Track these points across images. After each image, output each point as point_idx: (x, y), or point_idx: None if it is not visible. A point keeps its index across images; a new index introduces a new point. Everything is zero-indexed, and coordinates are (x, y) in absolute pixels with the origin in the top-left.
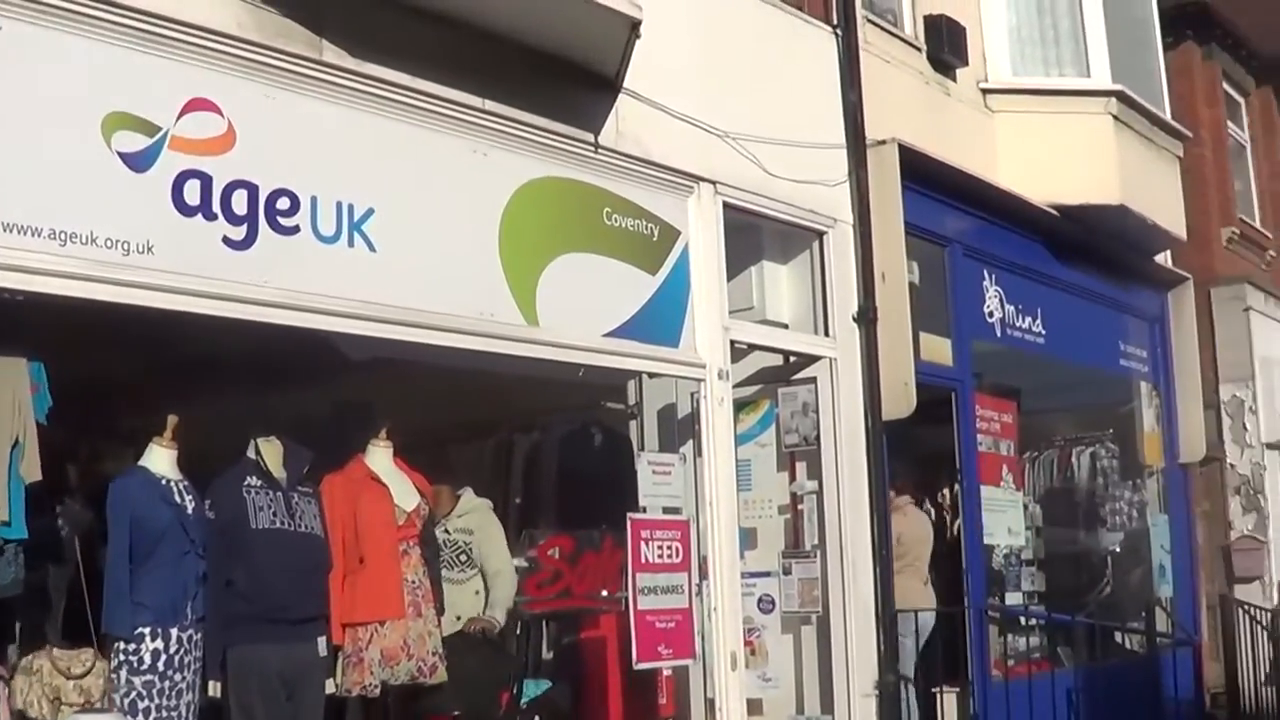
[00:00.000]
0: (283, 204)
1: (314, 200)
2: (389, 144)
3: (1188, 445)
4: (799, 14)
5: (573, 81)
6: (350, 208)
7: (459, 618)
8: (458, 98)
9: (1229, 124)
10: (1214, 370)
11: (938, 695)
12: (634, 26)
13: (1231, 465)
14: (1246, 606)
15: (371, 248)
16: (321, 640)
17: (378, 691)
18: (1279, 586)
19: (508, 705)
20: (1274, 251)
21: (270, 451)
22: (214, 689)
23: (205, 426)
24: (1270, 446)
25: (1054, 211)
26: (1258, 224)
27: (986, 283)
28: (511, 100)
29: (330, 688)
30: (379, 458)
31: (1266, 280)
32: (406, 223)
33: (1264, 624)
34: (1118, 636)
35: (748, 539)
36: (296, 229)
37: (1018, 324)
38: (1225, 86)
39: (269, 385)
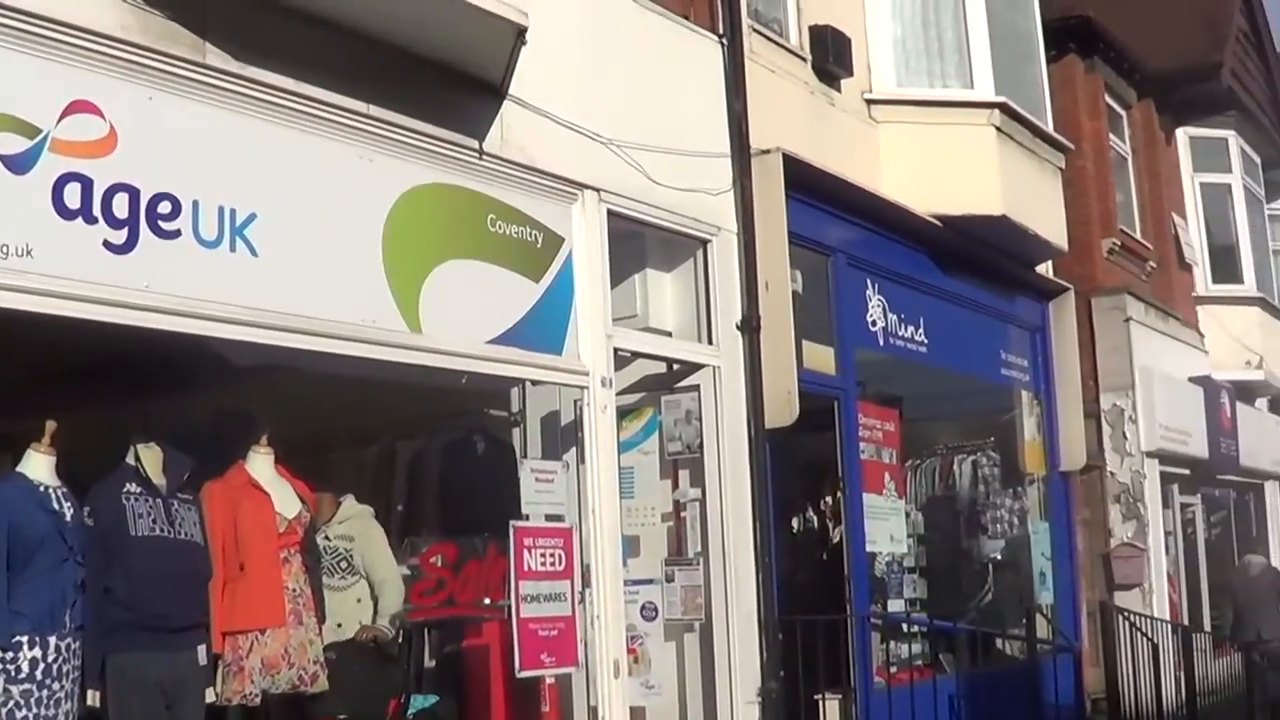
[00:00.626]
0: (164, 208)
1: (196, 204)
2: (272, 148)
3: (1068, 454)
4: (685, 23)
5: (458, 88)
6: (232, 212)
7: (340, 625)
8: (343, 103)
9: (1111, 136)
10: (1094, 379)
11: (820, 702)
12: (520, 33)
13: (1112, 473)
14: (1126, 613)
15: (253, 253)
16: (202, 649)
17: (259, 700)
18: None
19: (394, 714)
20: (1154, 262)
21: (150, 458)
22: (93, 698)
23: (84, 432)
24: (1150, 455)
25: (937, 222)
26: (1138, 235)
27: (870, 292)
28: (397, 106)
29: (210, 696)
30: (260, 465)
31: (1147, 291)
32: (289, 228)
33: (1144, 630)
34: (999, 643)
35: (631, 547)
36: (178, 233)
37: (900, 333)
38: (1107, 99)
39: (149, 391)
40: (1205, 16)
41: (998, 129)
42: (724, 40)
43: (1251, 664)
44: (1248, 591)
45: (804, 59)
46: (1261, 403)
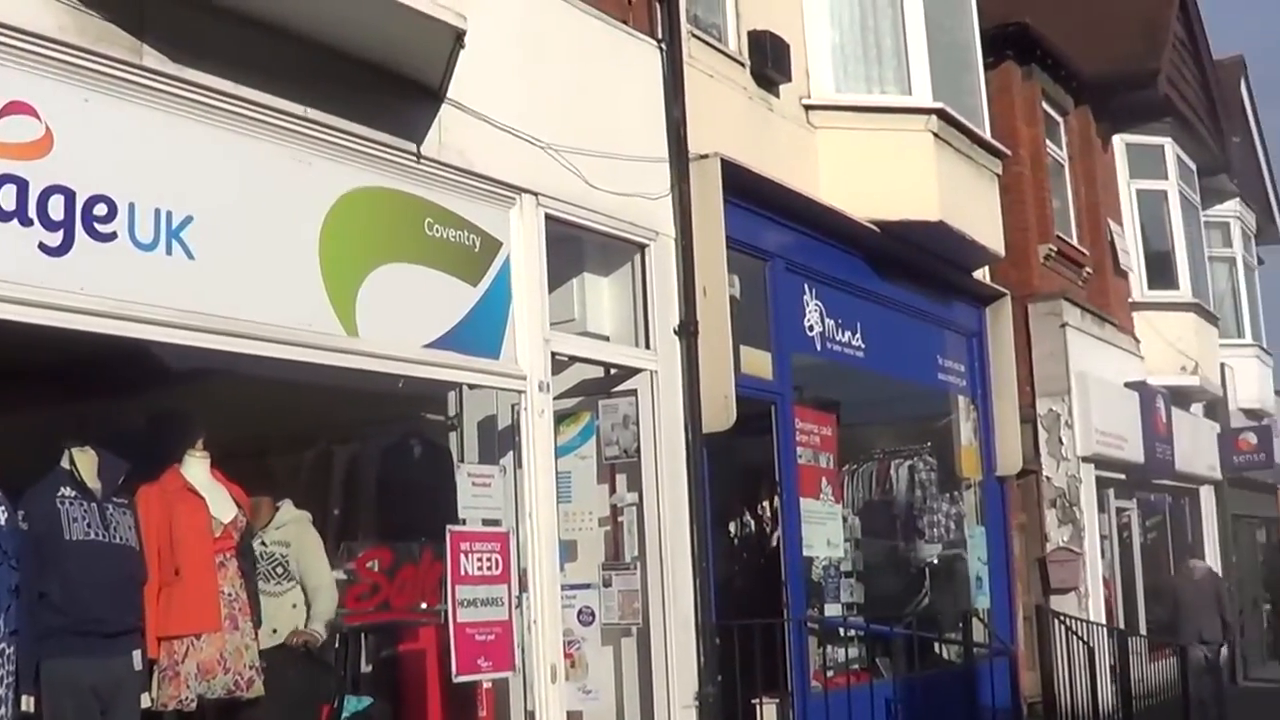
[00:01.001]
0: (100, 210)
1: (132, 207)
2: (210, 151)
3: (1005, 458)
4: (624, 28)
5: (396, 91)
6: (169, 215)
7: (276, 631)
8: (280, 105)
9: (1048, 143)
10: (1031, 384)
11: (757, 706)
12: (458, 37)
13: (1048, 478)
14: (1062, 617)
15: (190, 255)
16: (137, 654)
17: (194, 705)
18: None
19: (328, 719)
20: (1090, 268)
21: (85, 462)
22: (27, 703)
23: (18, 436)
24: (1085, 460)
25: (874, 227)
26: (1075, 241)
27: (807, 297)
28: (334, 109)
29: (146, 702)
30: (196, 469)
31: (1083, 296)
32: (226, 231)
33: (1079, 634)
34: (936, 647)
35: (568, 551)
36: (114, 236)
37: (837, 338)
38: (1044, 106)
39: (84, 394)
40: (1142, 24)
41: (935, 135)
42: (663, 45)
43: (1187, 666)
44: (1190, 594)
45: (743, 64)
46: (1196, 408)
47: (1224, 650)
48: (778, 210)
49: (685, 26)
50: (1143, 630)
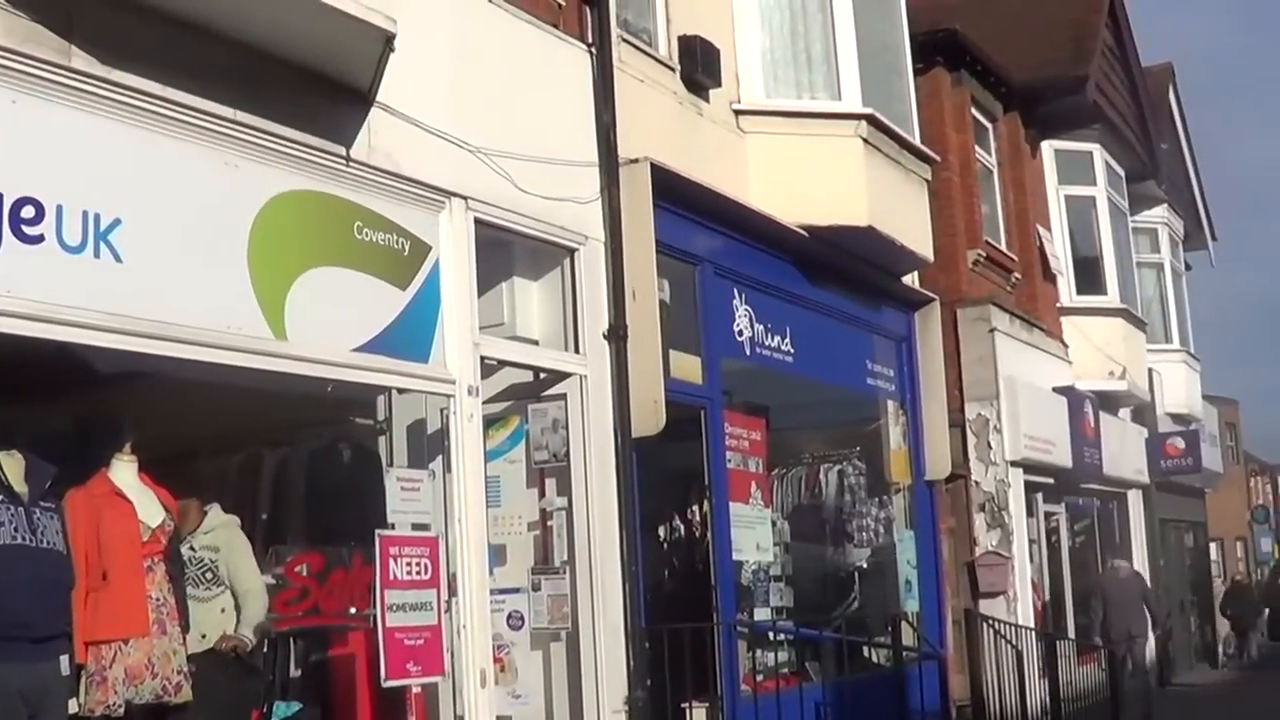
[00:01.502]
0: (27, 212)
1: (59, 209)
2: (138, 153)
3: (934, 463)
4: (554, 31)
5: (325, 94)
6: (97, 217)
7: (204, 636)
8: (209, 108)
9: (977, 149)
10: (960, 389)
11: (687, 710)
12: (388, 40)
13: (976, 482)
14: (991, 621)
15: (118, 258)
16: (64, 659)
17: (122, 711)
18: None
19: None
20: (1019, 274)
21: (11, 466)
22: None
23: None
24: (1014, 464)
25: (804, 232)
26: (1003, 247)
27: (736, 301)
28: (263, 111)
29: (73, 707)
30: (123, 472)
31: (1011, 302)
32: (154, 234)
33: (1008, 637)
34: (866, 651)
35: (497, 555)
36: (41, 238)
37: (767, 342)
38: (974, 112)
39: (10, 398)
40: (1071, 31)
41: (865, 140)
42: (593, 49)
43: (1116, 667)
44: (1118, 593)
45: (673, 69)
46: (1124, 413)
47: (1150, 647)
48: (707, 215)
49: (615, 31)
50: (1071, 633)
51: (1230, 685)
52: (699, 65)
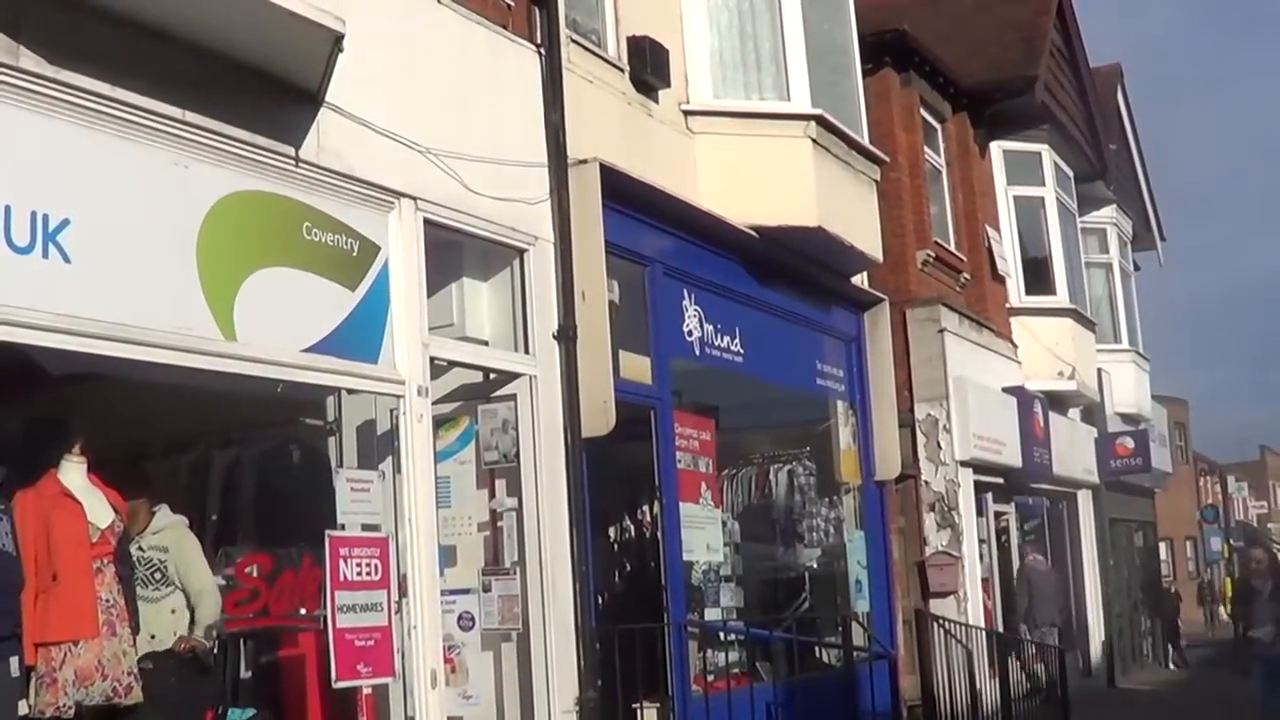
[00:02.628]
0: None
1: (8, 209)
2: (87, 154)
3: (883, 463)
4: (503, 33)
5: (275, 94)
6: (45, 218)
7: (154, 636)
8: (158, 108)
9: (926, 149)
10: (909, 389)
11: (638, 711)
12: (336, 40)
13: (926, 482)
14: (941, 620)
15: (66, 259)
16: (14, 660)
17: (72, 712)
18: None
19: None
20: (968, 274)
21: None
22: None
23: None
24: (964, 464)
25: (753, 233)
26: (952, 247)
27: (686, 302)
28: (213, 112)
29: (24, 709)
30: (72, 474)
31: (961, 302)
32: (103, 234)
33: (958, 637)
34: (816, 651)
35: (447, 556)
36: None
37: (716, 343)
38: (923, 113)
39: None
40: (1020, 32)
41: (814, 141)
42: (541, 50)
43: (1064, 665)
44: (1042, 584)
45: (622, 70)
46: (1074, 412)
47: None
48: (657, 215)
49: (564, 32)
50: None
51: (1181, 685)
52: (648, 66)
